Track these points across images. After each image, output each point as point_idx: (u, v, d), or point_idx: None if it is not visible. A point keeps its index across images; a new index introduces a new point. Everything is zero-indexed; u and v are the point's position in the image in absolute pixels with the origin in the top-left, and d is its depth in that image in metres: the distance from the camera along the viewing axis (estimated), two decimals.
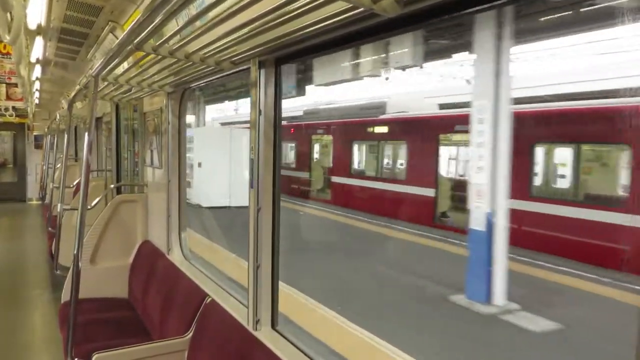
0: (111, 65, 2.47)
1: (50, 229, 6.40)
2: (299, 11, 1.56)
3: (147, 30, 1.72)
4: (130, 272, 4.26)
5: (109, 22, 3.73)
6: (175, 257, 3.76)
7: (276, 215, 2.44)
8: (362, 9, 1.39)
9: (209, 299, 2.82)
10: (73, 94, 4.47)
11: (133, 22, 1.67)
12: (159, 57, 2.40)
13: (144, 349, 2.73)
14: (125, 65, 3.01)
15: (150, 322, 3.53)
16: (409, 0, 1.33)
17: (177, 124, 3.71)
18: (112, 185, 5.28)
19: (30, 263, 7.40)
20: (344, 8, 1.46)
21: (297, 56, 2.16)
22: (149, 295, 3.70)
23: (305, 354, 2.18)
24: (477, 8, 1.28)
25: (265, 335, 2.36)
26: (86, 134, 2.70)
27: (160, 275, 3.66)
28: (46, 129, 13.32)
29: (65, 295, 3.86)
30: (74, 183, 7.21)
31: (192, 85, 3.33)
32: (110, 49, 2.10)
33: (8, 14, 2.81)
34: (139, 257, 4.26)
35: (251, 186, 2.39)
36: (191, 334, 2.80)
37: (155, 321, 3.42)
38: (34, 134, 14.23)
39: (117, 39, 3.69)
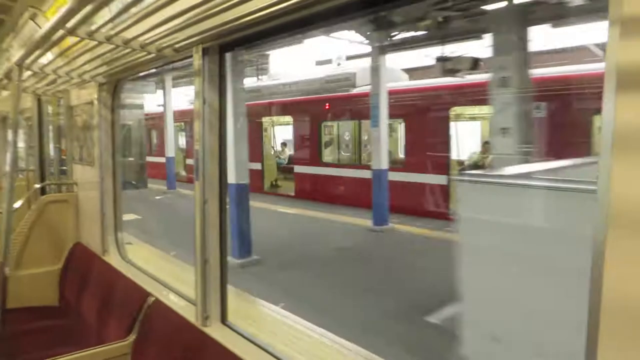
0: (37, 53, 2.29)
1: None
2: None
3: (81, 13, 1.61)
4: (61, 277, 3.99)
5: (29, 8, 3.44)
6: (112, 258, 3.57)
7: (223, 208, 2.38)
8: None
9: (153, 299, 2.71)
10: None
11: (67, 5, 1.55)
12: (91, 44, 2.25)
13: (80, 357, 2.57)
14: (50, 54, 2.80)
15: (87, 328, 3.33)
16: None
17: (111, 117, 3.50)
18: (36, 185, 4.90)
19: None
20: None
21: (242, 42, 2.12)
22: (83, 301, 3.50)
23: (258, 346, 2.16)
24: None
25: (215, 330, 2.30)
26: (10, 130, 2.49)
27: (96, 278, 3.47)
28: None
29: None
30: None
31: (128, 75, 3.17)
32: (38, 33, 1.94)
33: None
34: (70, 260, 4.00)
35: (196, 178, 2.31)
36: (134, 336, 2.68)
37: (92, 327, 3.24)
38: None
39: (39, 25, 3.43)
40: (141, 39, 2.11)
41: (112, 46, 2.21)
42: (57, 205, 4.07)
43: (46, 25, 1.87)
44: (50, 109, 4.81)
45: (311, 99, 15.30)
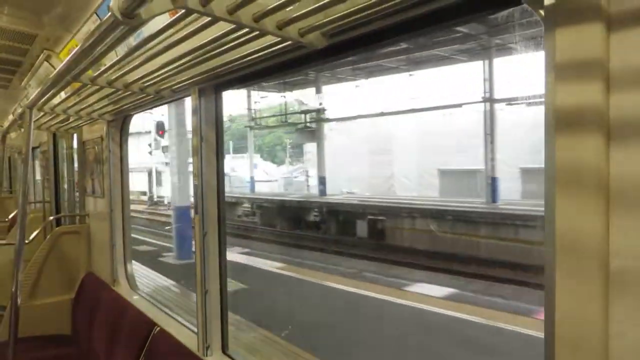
0: (47, 96, 2.44)
1: None
2: (235, 42, 1.63)
3: (84, 62, 1.74)
4: (73, 306, 4.09)
5: (44, 50, 3.64)
6: (122, 288, 3.66)
7: (222, 240, 2.46)
8: (291, 42, 1.49)
9: (158, 329, 2.78)
10: (7, 125, 4.30)
11: (71, 54, 1.68)
12: (98, 87, 2.39)
13: None
14: (62, 95, 2.96)
15: (95, 357, 3.40)
16: (333, 33, 1.44)
17: (119, 151, 3.66)
18: (51, 217, 5.06)
19: None
20: (275, 41, 1.55)
21: (235, 83, 2.23)
22: (93, 330, 3.57)
23: None
24: (395, 38, 1.41)
25: None
26: (23, 165, 2.63)
27: (106, 307, 3.55)
28: None
29: (3, 334, 3.65)
30: (9, 217, 6.80)
31: (133, 112, 3.32)
32: (47, 79, 2.09)
33: None
34: (82, 290, 4.10)
35: (196, 212, 2.40)
36: None
37: (100, 356, 3.30)
38: None
39: (53, 67, 3.62)
40: (140, 82, 2.24)
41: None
42: (70, 236, 4.20)
43: (52, 69, 2.01)
44: (65, 143, 5.00)
45: None
